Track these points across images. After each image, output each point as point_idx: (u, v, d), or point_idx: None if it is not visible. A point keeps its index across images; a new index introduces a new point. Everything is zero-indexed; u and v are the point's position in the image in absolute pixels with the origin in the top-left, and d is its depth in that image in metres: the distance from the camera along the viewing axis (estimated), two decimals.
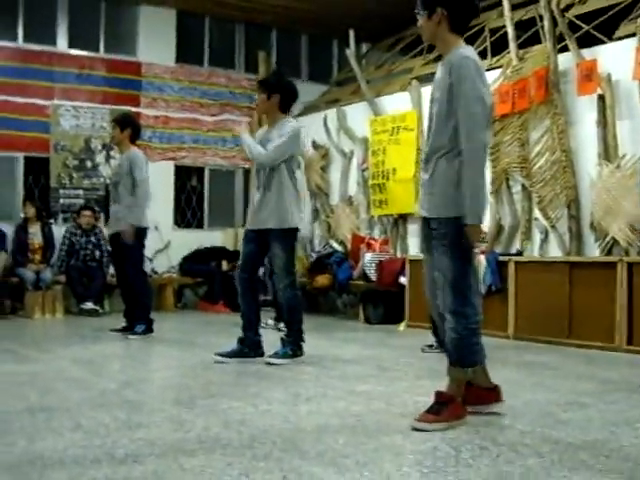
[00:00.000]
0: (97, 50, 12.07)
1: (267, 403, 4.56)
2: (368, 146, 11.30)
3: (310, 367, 6.05)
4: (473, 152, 3.88)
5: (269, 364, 6.06)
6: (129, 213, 7.97)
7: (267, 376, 5.58)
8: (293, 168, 6.25)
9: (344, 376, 5.64)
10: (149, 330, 8.06)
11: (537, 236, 8.96)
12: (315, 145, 12.33)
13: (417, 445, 3.59)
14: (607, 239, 8.13)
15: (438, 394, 4.01)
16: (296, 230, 6.28)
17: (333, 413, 4.30)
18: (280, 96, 6.27)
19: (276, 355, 6.20)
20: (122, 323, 8.26)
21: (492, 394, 4.20)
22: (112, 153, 11.56)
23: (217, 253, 12.27)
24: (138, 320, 8.07)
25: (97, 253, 11.04)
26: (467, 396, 4.11)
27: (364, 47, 13.80)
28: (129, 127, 8.22)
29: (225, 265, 11.85)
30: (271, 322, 8.76)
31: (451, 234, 3.93)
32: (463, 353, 3.99)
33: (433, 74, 10.89)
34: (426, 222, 4.10)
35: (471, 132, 3.85)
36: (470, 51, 3.99)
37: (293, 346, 6.28)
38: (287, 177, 6.19)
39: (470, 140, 3.86)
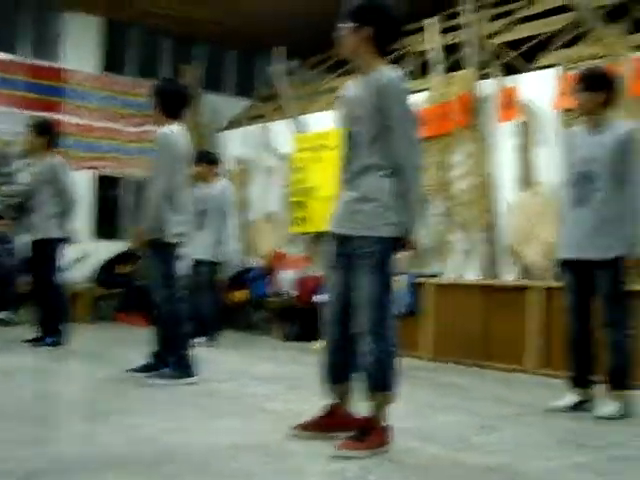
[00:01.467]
0: (19, 54, 11.83)
1: (179, 420, 4.48)
2: (290, 163, 11.29)
3: (224, 384, 5.98)
4: (414, 172, 3.89)
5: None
6: (50, 222, 7.82)
7: (180, 393, 5.48)
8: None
9: (257, 394, 5.58)
10: (60, 342, 7.88)
11: (455, 259, 9.05)
12: (237, 160, 12.27)
13: (325, 466, 3.55)
14: (523, 263, 8.26)
15: (362, 420, 3.96)
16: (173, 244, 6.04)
17: (243, 432, 4.25)
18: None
19: (157, 375, 5.91)
20: (35, 333, 8.06)
21: (356, 421, 4.09)
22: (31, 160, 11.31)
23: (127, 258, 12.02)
24: (50, 331, 7.90)
25: (8, 261, 10.76)
26: (331, 420, 4.09)
27: (291, 64, 13.81)
28: (47, 134, 8.06)
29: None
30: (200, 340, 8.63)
31: (378, 254, 3.89)
32: (386, 375, 3.94)
33: None
34: (341, 240, 4.06)
35: (411, 153, 3.86)
36: (397, 71, 3.98)
37: (176, 366, 5.94)
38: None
39: (410, 160, 3.86)
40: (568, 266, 5.37)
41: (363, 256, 3.90)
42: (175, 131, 5.98)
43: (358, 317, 3.92)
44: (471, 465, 3.67)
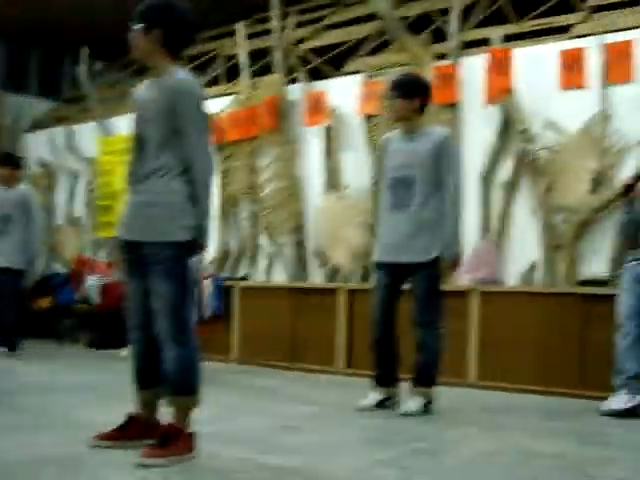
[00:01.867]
0: None
1: None
2: (96, 166, 11.01)
3: (24, 396, 5.71)
4: (205, 174, 3.83)
5: None
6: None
7: None
8: None
9: (60, 405, 5.36)
10: None
11: (263, 262, 9.08)
12: (41, 163, 11.86)
13: (127, 476, 3.43)
14: (330, 266, 8.37)
15: (165, 427, 3.86)
16: None
17: (44, 444, 4.05)
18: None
19: None
20: None
21: (162, 428, 3.95)
22: None
23: None
24: None
25: None
26: (135, 427, 4.01)
27: (97, 65, 13.48)
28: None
29: None
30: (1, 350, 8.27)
31: (172, 259, 3.80)
32: (188, 380, 3.86)
33: None
34: (133, 246, 3.92)
35: (202, 155, 3.79)
36: (189, 74, 3.92)
37: None
38: None
39: (201, 163, 3.79)
40: (383, 268, 5.45)
41: (157, 262, 3.79)
42: None
43: (158, 323, 3.83)
44: (275, 467, 3.64)
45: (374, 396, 5.45)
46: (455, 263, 5.38)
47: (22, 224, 8.38)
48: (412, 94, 5.35)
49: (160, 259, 3.79)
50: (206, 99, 3.89)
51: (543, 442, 4.38)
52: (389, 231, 5.41)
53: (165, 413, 3.92)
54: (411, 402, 5.27)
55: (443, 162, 5.27)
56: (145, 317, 3.92)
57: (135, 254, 3.89)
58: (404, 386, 5.43)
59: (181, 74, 3.84)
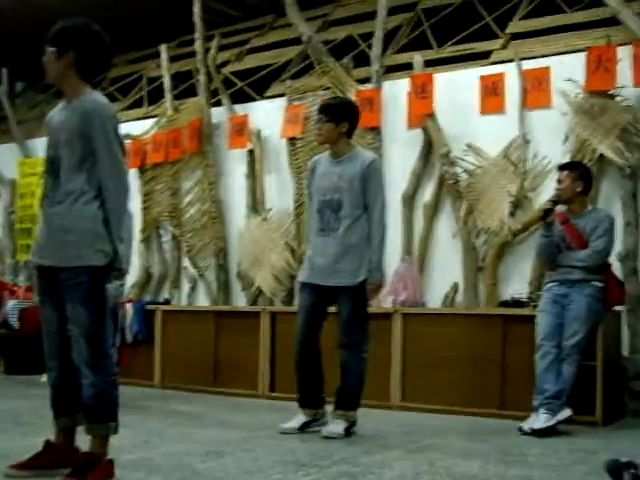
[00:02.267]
0: None
1: None
2: (16, 189, 10.81)
3: None
4: (120, 198, 3.78)
5: None
6: None
7: None
8: None
9: None
10: None
11: (186, 285, 9.01)
12: None
13: None
14: (253, 289, 8.34)
15: (83, 455, 3.78)
16: None
17: None
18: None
19: None
20: None
21: (79, 456, 3.90)
22: None
23: None
24: None
25: None
26: (53, 455, 3.92)
27: (18, 86, 13.25)
28: None
29: None
30: None
31: (87, 283, 3.73)
32: (106, 407, 3.79)
33: None
34: (48, 272, 3.84)
35: (117, 179, 3.74)
36: (102, 97, 3.88)
37: None
38: None
39: (116, 186, 3.74)
40: (309, 289, 5.45)
41: (73, 287, 3.72)
42: None
43: (74, 350, 3.76)
44: None
45: (299, 418, 5.42)
46: (379, 287, 5.42)
47: None
48: (340, 118, 5.39)
49: (76, 285, 3.72)
50: (119, 122, 3.84)
51: (466, 463, 4.40)
52: (317, 254, 5.42)
53: (84, 440, 3.84)
54: (333, 425, 5.26)
55: (369, 186, 5.30)
56: (61, 344, 3.85)
57: (50, 280, 3.82)
58: (330, 407, 5.43)
59: (94, 97, 3.80)
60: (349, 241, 5.29)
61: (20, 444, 4.71)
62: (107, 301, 3.84)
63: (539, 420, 5.38)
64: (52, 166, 3.85)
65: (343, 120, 5.39)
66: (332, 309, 5.47)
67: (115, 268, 3.79)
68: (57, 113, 3.91)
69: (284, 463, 4.34)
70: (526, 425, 5.41)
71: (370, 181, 5.32)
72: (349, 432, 5.26)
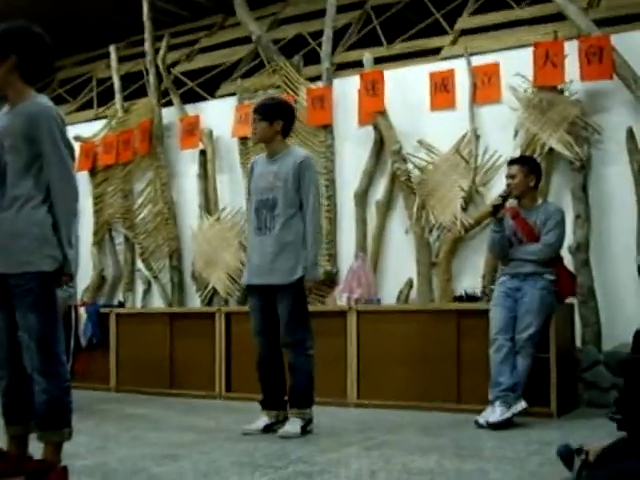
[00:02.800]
0: None
1: None
2: None
3: None
4: (68, 202, 3.72)
5: None
6: None
7: None
8: None
9: None
10: None
11: (140, 287, 8.94)
12: None
13: None
14: (208, 289, 8.31)
15: (36, 462, 3.72)
16: None
17: None
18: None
19: None
20: None
21: (32, 464, 3.85)
22: None
23: None
24: None
25: None
26: (4, 464, 3.83)
27: None
28: None
29: None
30: None
31: (38, 289, 3.67)
32: (59, 414, 3.72)
33: None
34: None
35: (65, 182, 3.68)
36: (47, 100, 3.82)
37: None
38: None
39: (64, 190, 3.67)
40: (253, 291, 5.47)
41: (23, 294, 3.66)
42: None
43: (26, 357, 3.70)
44: None
45: (262, 420, 5.41)
46: (315, 284, 5.46)
47: None
48: (273, 117, 5.40)
49: (26, 291, 3.66)
50: (66, 124, 3.78)
51: (422, 458, 4.41)
52: (254, 254, 5.45)
53: (37, 448, 3.79)
54: (288, 425, 5.26)
55: (302, 184, 5.33)
56: (11, 352, 3.79)
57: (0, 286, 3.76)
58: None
59: (39, 100, 3.75)
60: (284, 239, 5.31)
61: None
62: (58, 307, 3.78)
63: (495, 413, 5.41)
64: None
65: (277, 118, 5.40)
66: None
67: (65, 273, 3.75)
68: (1, 118, 3.84)
69: (241, 464, 4.33)
70: (482, 418, 5.44)
71: (303, 179, 5.34)
72: (306, 430, 5.26)
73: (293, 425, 5.23)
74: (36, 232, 3.67)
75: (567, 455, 3.56)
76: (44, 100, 3.79)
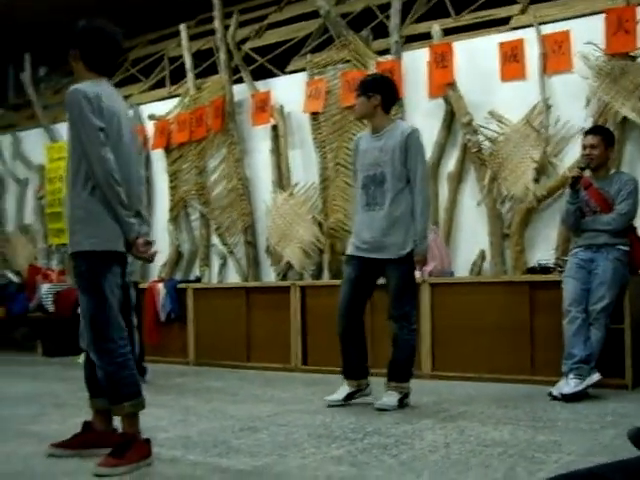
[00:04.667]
0: None
1: None
2: (45, 173, 10.94)
3: None
4: (108, 184, 3.83)
5: None
6: None
7: None
8: None
9: (16, 416, 5.35)
10: None
11: (216, 262, 9.11)
12: None
13: None
14: (282, 264, 8.42)
15: (120, 435, 3.89)
16: None
17: (2, 458, 4.03)
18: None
19: None
20: None
21: (114, 437, 4.02)
22: None
23: None
24: None
25: None
26: (90, 436, 4.06)
27: (41, 71, 13.35)
28: None
29: None
30: None
31: (79, 269, 3.89)
32: (116, 388, 3.89)
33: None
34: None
35: (98, 165, 3.81)
36: (80, 84, 3.96)
37: None
38: None
39: (101, 173, 3.81)
40: (355, 262, 5.52)
41: (74, 273, 3.96)
42: None
43: (84, 334, 3.94)
44: (231, 470, 3.70)
45: (343, 390, 5.52)
46: (425, 257, 5.48)
47: None
48: (370, 92, 5.45)
49: (74, 271, 3.95)
50: (91, 103, 3.85)
51: (496, 430, 4.47)
52: (363, 228, 5.49)
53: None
54: (386, 397, 5.33)
55: (409, 157, 5.35)
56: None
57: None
58: (378, 379, 5.52)
59: (77, 84, 3.95)
60: (394, 214, 5.36)
61: (60, 426, 4.85)
62: (105, 287, 3.87)
63: (568, 385, 5.42)
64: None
65: (374, 93, 5.45)
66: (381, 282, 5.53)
67: (116, 253, 3.91)
68: None
69: (317, 436, 4.43)
70: (555, 390, 5.46)
71: (410, 152, 5.36)
72: (402, 404, 5.34)
73: (390, 398, 5.32)
74: (79, 214, 3.87)
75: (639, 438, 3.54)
76: (79, 84, 3.96)
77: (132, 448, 3.78)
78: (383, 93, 5.49)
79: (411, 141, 5.38)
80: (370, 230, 5.43)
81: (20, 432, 4.77)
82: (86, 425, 4.12)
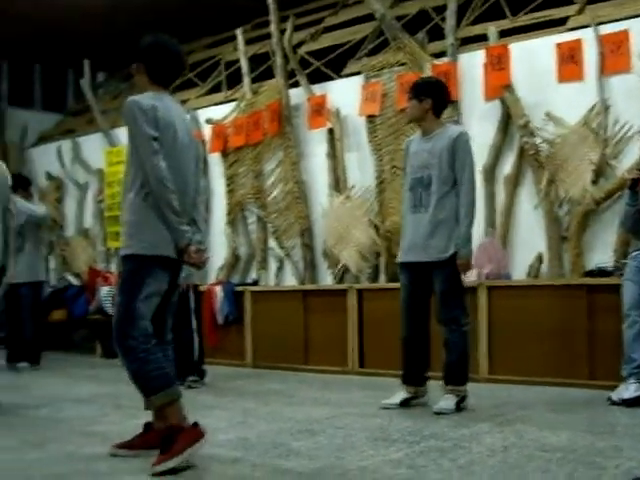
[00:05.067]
0: None
1: None
2: (104, 178, 11.11)
3: (42, 409, 5.81)
4: (159, 189, 3.95)
5: None
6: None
7: None
8: None
9: (78, 417, 5.46)
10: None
11: (272, 265, 9.17)
12: (49, 176, 11.98)
13: None
14: (339, 267, 8.45)
15: (161, 432, 3.96)
16: None
17: (64, 458, 4.14)
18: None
19: None
20: None
21: (194, 432, 4.05)
22: None
23: None
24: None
25: None
26: (147, 436, 4.15)
27: (100, 76, 13.58)
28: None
29: None
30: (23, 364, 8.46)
31: (127, 270, 4.03)
32: (144, 384, 4.00)
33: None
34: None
35: (150, 171, 3.93)
36: (141, 95, 4.13)
37: None
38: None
39: (153, 179, 3.93)
40: (405, 267, 5.57)
41: (120, 275, 4.13)
42: None
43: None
44: (291, 472, 3.73)
45: (400, 394, 5.55)
46: (468, 262, 5.47)
47: (32, 240, 8.51)
48: (421, 95, 5.49)
49: (122, 273, 4.10)
50: (145, 113, 3.99)
51: (554, 435, 4.44)
52: (409, 232, 5.54)
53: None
54: (443, 401, 5.34)
55: (457, 159, 5.37)
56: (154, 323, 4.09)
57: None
58: (436, 383, 5.54)
59: (133, 97, 4.08)
60: (439, 217, 5.37)
61: (120, 427, 4.94)
62: (142, 287, 3.97)
63: (628, 390, 5.36)
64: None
65: (426, 97, 5.48)
66: None
67: (169, 259, 4.02)
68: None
69: (375, 439, 4.46)
70: (615, 395, 5.41)
71: (457, 154, 5.38)
72: (460, 407, 5.34)
73: (447, 402, 5.32)
74: (133, 219, 4.01)
75: None
76: (139, 95, 4.13)
77: (176, 439, 3.84)
78: (435, 97, 5.51)
79: (459, 144, 5.39)
80: (415, 233, 5.47)
81: (82, 433, 4.87)
82: (147, 426, 4.21)
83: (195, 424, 3.95)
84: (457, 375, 5.41)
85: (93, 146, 11.39)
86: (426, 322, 5.55)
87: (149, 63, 4.19)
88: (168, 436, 3.87)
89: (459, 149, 5.38)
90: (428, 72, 7.83)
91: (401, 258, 5.62)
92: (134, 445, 4.15)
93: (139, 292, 3.95)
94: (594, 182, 6.90)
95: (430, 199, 5.40)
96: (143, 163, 3.94)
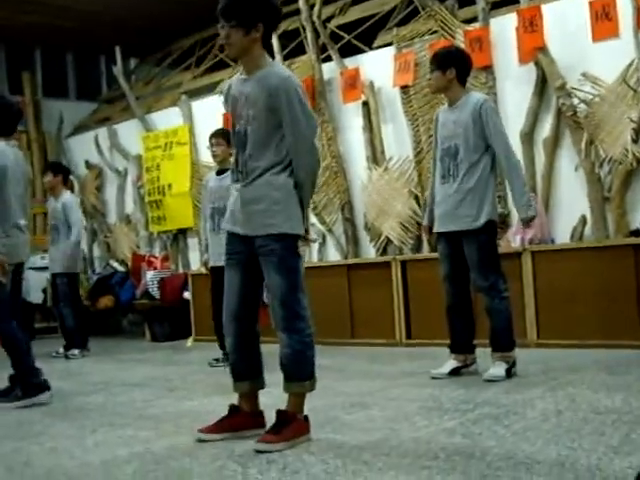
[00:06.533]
0: None
1: (52, 440, 4.35)
2: (142, 163, 11.19)
3: (95, 395, 5.88)
4: (312, 171, 3.91)
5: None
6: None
7: (50, 411, 5.32)
8: None
9: (131, 401, 5.53)
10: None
11: (316, 240, 9.18)
12: (88, 165, 12.08)
13: (205, 467, 3.56)
14: (381, 239, 8.46)
15: (279, 412, 3.95)
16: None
17: (121, 442, 4.20)
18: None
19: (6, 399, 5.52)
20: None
21: (260, 419, 4.12)
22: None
23: None
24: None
25: None
26: (233, 419, 4.10)
27: (132, 62, 13.63)
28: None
29: None
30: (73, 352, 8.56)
31: (279, 250, 3.84)
32: (300, 367, 3.97)
33: (202, 88, 10.79)
34: (240, 239, 3.97)
35: (304, 151, 3.83)
36: (285, 69, 3.99)
37: (21, 386, 5.51)
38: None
39: (306, 159, 3.84)
40: (441, 238, 5.60)
41: (266, 254, 3.86)
42: (2, 149, 5.56)
43: (271, 311, 3.97)
44: (345, 445, 3.75)
45: (449, 364, 5.57)
46: (531, 220, 5.49)
47: (64, 231, 8.54)
48: (445, 66, 5.45)
49: (268, 251, 3.86)
50: (304, 93, 3.86)
51: (608, 397, 4.43)
52: (440, 202, 5.55)
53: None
54: (492, 368, 5.35)
55: (486, 127, 5.34)
56: (241, 308, 4.03)
57: (242, 246, 3.98)
58: (484, 351, 5.54)
59: (277, 69, 3.89)
60: (467, 186, 5.37)
61: (175, 409, 5.00)
62: (299, 267, 3.95)
63: None
64: (240, 138, 3.94)
65: (449, 67, 5.45)
66: None
67: (306, 236, 4.01)
68: (239, 85, 3.97)
69: (428, 409, 4.47)
70: None
71: (486, 122, 5.35)
72: (510, 373, 5.34)
73: (497, 368, 5.33)
74: (276, 196, 3.85)
75: None
76: (282, 70, 3.94)
77: (289, 426, 3.85)
78: (458, 66, 5.48)
79: (484, 111, 5.36)
80: (444, 202, 5.48)
81: (137, 416, 4.92)
82: (233, 408, 4.15)
83: (306, 417, 3.97)
84: (504, 341, 5.41)
85: (129, 132, 11.46)
86: (468, 289, 5.56)
87: (269, 25, 3.82)
88: (282, 421, 3.87)
89: (486, 117, 5.34)
90: (460, 39, 7.78)
91: (436, 228, 5.64)
92: (220, 428, 4.08)
93: (298, 271, 3.91)
94: (634, 140, 6.83)
95: (458, 169, 5.40)
96: (304, 142, 3.81)
